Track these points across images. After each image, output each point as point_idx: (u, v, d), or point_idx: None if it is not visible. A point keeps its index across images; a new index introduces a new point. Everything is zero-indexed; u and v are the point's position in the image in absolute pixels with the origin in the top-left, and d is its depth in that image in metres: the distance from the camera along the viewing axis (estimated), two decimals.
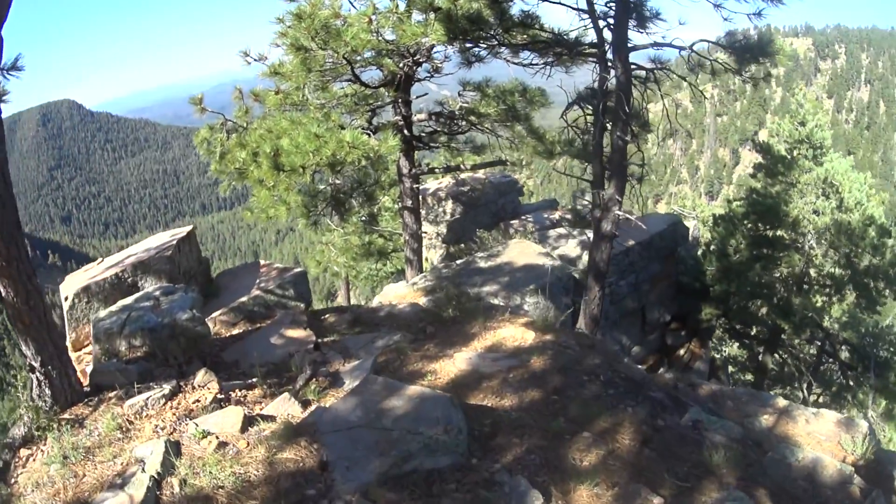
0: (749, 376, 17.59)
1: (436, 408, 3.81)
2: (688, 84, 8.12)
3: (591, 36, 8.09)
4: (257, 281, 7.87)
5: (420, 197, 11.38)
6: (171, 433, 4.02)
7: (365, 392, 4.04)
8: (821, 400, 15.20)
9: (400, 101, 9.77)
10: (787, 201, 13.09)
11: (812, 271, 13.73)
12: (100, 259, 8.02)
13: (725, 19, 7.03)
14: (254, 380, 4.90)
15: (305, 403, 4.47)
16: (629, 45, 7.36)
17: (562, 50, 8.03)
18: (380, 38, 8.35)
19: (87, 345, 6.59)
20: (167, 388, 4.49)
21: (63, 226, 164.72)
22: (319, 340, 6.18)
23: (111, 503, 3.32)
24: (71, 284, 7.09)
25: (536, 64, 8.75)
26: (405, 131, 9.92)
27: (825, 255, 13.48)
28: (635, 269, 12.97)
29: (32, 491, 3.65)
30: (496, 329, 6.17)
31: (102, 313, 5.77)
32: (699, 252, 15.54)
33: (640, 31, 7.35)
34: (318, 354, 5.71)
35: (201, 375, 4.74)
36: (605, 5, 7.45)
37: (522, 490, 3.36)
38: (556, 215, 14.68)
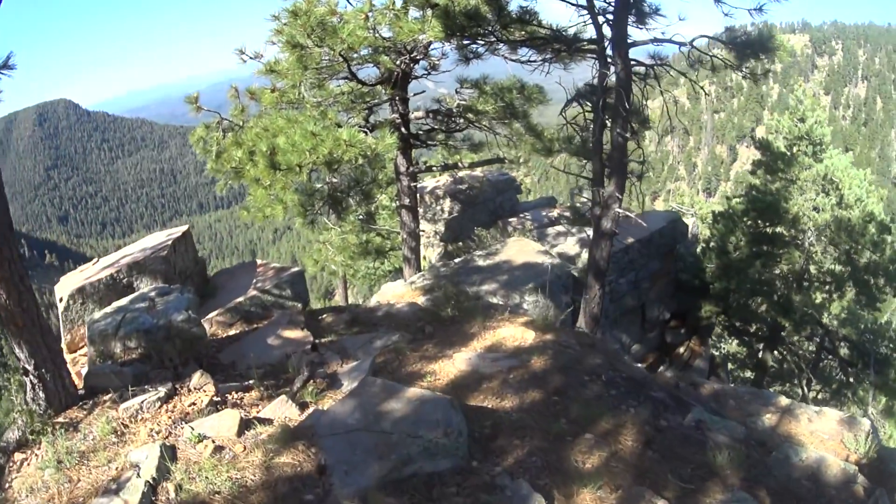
0: (748, 373, 17.59)
1: (435, 410, 3.75)
2: (685, 81, 8.06)
3: (590, 32, 8.03)
4: (254, 281, 7.81)
5: (418, 195, 11.32)
6: (167, 437, 3.95)
7: (363, 394, 3.97)
8: (820, 397, 15.21)
9: (397, 98, 9.71)
10: (786, 198, 13.06)
11: (812, 268, 13.70)
12: (95, 259, 7.95)
13: (726, 14, 6.97)
14: (250, 382, 4.83)
15: (303, 406, 4.41)
16: (629, 41, 7.29)
17: (560, 46, 7.96)
18: (376, 34, 8.28)
19: (83, 346, 6.52)
20: (163, 390, 4.42)
21: (60, 225, 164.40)
22: (317, 341, 6.13)
23: None
24: (66, 285, 7.03)
25: (534, 61, 8.67)
26: (402, 129, 9.86)
27: (824, 251, 13.45)
28: (635, 267, 12.93)
29: (27, 496, 3.59)
30: (496, 328, 6.11)
31: (97, 315, 5.70)
32: (698, 249, 15.50)
33: (640, 27, 7.30)
34: (316, 355, 5.65)
35: (197, 378, 4.67)
36: (604, 1, 7.39)
37: (524, 494, 3.30)
38: (555, 213, 14.63)
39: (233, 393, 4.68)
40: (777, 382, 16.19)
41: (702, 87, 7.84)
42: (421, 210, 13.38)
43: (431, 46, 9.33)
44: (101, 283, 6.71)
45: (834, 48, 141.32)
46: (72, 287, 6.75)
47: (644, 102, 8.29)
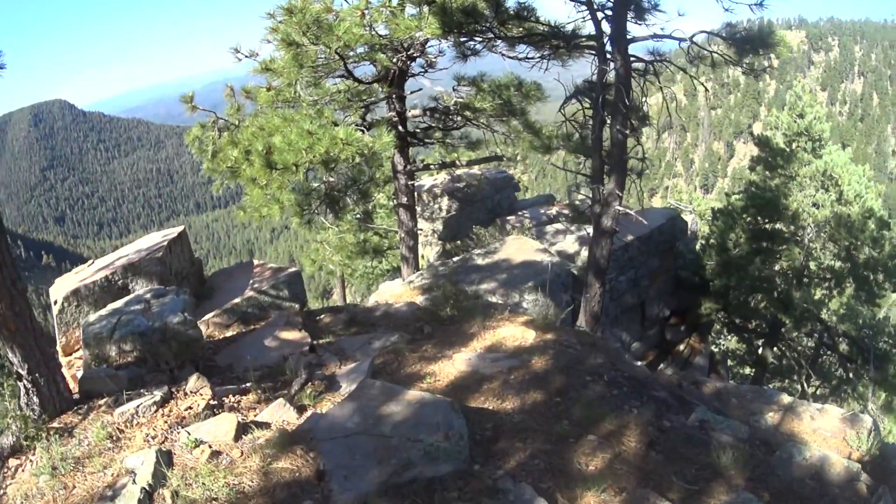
0: (748, 370, 17.58)
1: (436, 413, 3.68)
2: (681, 78, 8.01)
3: (588, 28, 7.98)
4: (251, 281, 7.74)
5: (415, 194, 11.25)
6: (163, 442, 3.89)
7: (362, 397, 3.91)
8: (819, 392, 15.19)
9: (394, 96, 9.63)
10: (786, 194, 13.00)
11: (812, 264, 13.67)
12: (90, 261, 7.87)
13: (726, 10, 6.91)
14: (248, 384, 4.76)
15: (301, 409, 4.34)
16: (628, 36, 7.23)
17: (559, 42, 7.89)
18: (373, 32, 8.21)
19: (78, 349, 6.45)
20: (158, 394, 4.35)
21: (57, 226, 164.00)
22: (315, 342, 6.06)
23: None
24: (60, 288, 6.96)
25: (532, 58, 8.60)
26: (399, 127, 9.79)
27: (823, 247, 13.41)
28: (634, 265, 12.88)
29: (22, 503, 3.53)
30: (495, 328, 6.05)
31: (92, 317, 5.63)
32: (698, 246, 15.46)
33: (639, 22, 7.23)
34: (314, 357, 5.59)
35: (193, 381, 4.60)
36: None
37: (528, 498, 3.24)
38: (553, 211, 14.56)
39: (230, 396, 4.61)
40: (776, 379, 16.17)
41: (703, 84, 7.77)
42: (419, 209, 13.32)
43: (428, 44, 9.26)
44: (95, 285, 6.64)
45: (830, 44, 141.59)
46: (66, 289, 6.68)
47: (644, 99, 8.23)
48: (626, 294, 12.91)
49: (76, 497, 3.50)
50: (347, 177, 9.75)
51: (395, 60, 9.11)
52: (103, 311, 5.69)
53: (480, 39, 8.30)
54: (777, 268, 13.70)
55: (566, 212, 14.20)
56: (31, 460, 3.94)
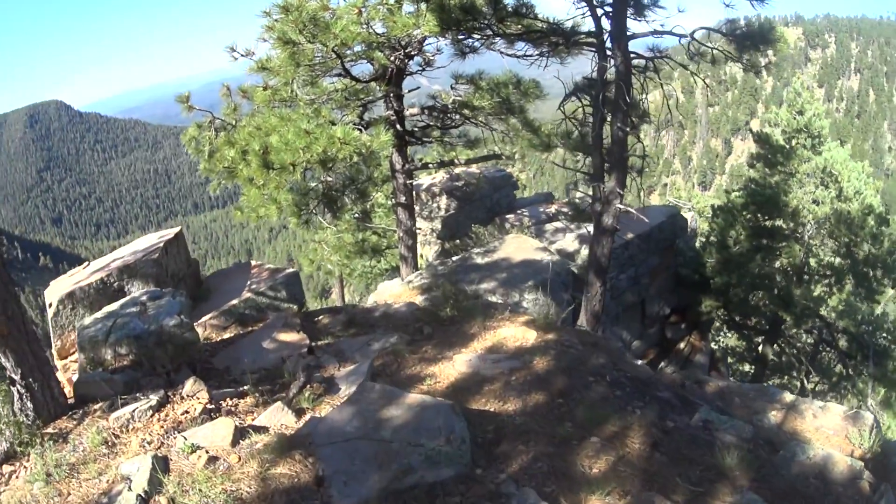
0: (747, 367, 17.56)
1: (437, 416, 3.62)
2: (679, 75, 7.96)
3: (588, 25, 7.91)
4: (248, 282, 7.67)
5: (414, 193, 11.19)
6: (159, 447, 3.82)
7: (362, 400, 3.84)
8: (818, 389, 15.18)
9: (391, 95, 9.57)
10: (786, 191, 12.97)
11: (812, 261, 13.64)
12: (86, 263, 7.80)
13: (727, 5, 6.85)
14: (245, 388, 4.70)
15: (299, 412, 4.27)
16: (628, 33, 7.17)
17: (558, 39, 7.83)
18: (370, 30, 8.14)
19: (74, 352, 6.37)
20: (154, 398, 4.28)
21: (54, 227, 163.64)
22: (313, 344, 5.99)
23: None
24: (55, 290, 6.88)
25: (531, 55, 8.54)
26: (397, 126, 9.72)
27: (821, 244, 13.38)
28: (635, 263, 12.81)
29: None
30: (496, 328, 5.99)
31: (87, 320, 5.55)
32: (697, 244, 15.42)
33: (638, 18, 7.16)
34: (312, 359, 5.52)
35: (190, 384, 4.54)
36: None
37: (531, 502, 3.18)
38: (553, 209, 14.50)
39: (227, 400, 4.54)
40: (776, 375, 16.15)
41: (703, 80, 7.71)
42: (417, 208, 13.25)
43: (426, 41, 9.20)
44: (91, 287, 6.56)
45: (827, 41, 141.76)
46: (61, 292, 6.60)
47: (645, 96, 8.18)
48: (626, 292, 12.85)
49: None
50: (345, 176, 9.69)
51: (392, 59, 9.04)
52: (98, 314, 5.61)
53: (479, 37, 8.22)
54: (777, 265, 13.66)
55: (565, 210, 14.15)
56: (24, 467, 3.88)
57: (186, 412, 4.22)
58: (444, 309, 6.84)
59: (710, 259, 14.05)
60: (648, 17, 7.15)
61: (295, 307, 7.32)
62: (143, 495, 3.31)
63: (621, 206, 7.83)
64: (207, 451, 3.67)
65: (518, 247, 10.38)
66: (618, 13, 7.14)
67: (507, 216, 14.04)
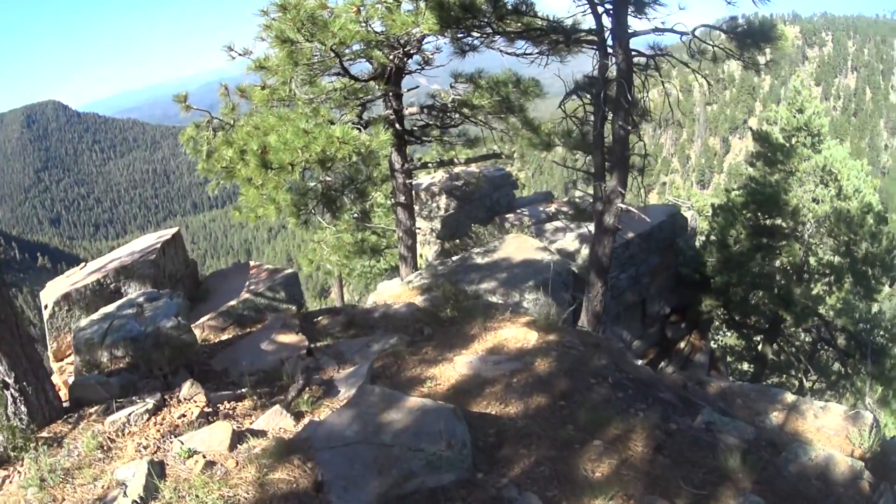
0: (746, 366, 17.53)
1: (438, 420, 3.56)
2: (677, 73, 7.91)
3: (588, 22, 7.86)
4: (247, 283, 7.60)
5: (413, 192, 11.13)
6: (155, 452, 3.77)
7: (362, 404, 3.79)
8: (816, 387, 15.16)
9: (390, 94, 9.51)
10: (786, 190, 12.91)
11: (812, 260, 13.59)
12: (83, 264, 7.73)
13: (728, 2, 6.79)
14: (243, 390, 4.63)
15: (298, 415, 4.22)
16: (630, 31, 7.11)
17: (558, 37, 7.77)
18: (369, 28, 8.08)
19: (70, 355, 6.31)
20: (151, 402, 4.22)
21: (52, 228, 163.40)
22: (312, 345, 5.93)
23: None
24: (51, 291, 6.81)
25: (531, 53, 8.48)
26: (396, 125, 9.66)
27: (821, 243, 13.33)
28: (635, 262, 12.76)
29: None
30: (497, 329, 5.93)
31: (83, 322, 5.49)
32: (697, 243, 15.37)
33: (639, 16, 7.11)
34: (312, 360, 5.46)
35: (187, 387, 4.48)
36: None
37: None
38: (552, 208, 14.43)
39: (225, 403, 4.48)
40: (775, 374, 16.12)
41: (705, 77, 7.65)
42: (417, 207, 13.18)
43: (425, 40, 9.14)
44: (87, 288, 6.49)
45: (824, 39, 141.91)
46: (57, 293, 6.53)
47: (646, 94, 8.12)
48: (626, 292, 12.80)
49: None
50: (344, 176, 9.63)
51: (391, 57, 8.97)
52: (95, 316, 5.55)
53: (478, 35, 8.16)
54: (777, 264, 13.61)
55: (565, 209, 14.09)
56: (18, 472, 3.82)
57: (183, 416, 4.16)
58: (444, 309, 6.78)
59: (710, 258, 14.00)
60: (649, 15, 7.10)
61: (294, 308, 7.26)
62: (138, 501, 3.26)
63: (622, 206, 7.77)
64: (204, 456, 3.61)
65: (518, 246, 10.33)
66: (619, 10, 7.09)
67: (507, 215, 13.98)
